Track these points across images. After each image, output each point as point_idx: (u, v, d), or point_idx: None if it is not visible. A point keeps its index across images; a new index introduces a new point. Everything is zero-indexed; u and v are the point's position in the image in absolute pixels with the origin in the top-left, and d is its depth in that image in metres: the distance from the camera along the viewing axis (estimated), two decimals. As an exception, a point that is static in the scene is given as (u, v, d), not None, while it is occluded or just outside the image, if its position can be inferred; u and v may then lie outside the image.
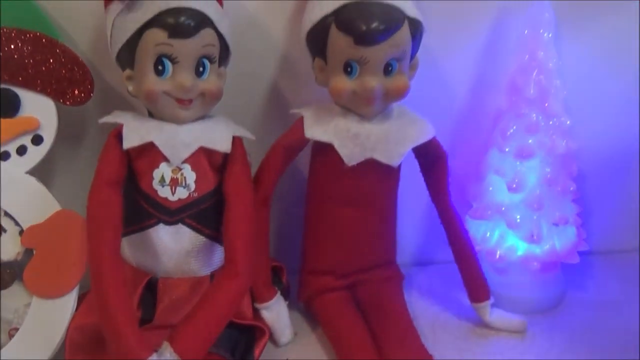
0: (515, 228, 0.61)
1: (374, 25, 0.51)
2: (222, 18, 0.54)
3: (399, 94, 0.55)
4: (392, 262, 0.65)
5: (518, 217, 0.61)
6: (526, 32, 0.59)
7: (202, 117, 0.55)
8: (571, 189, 0.61)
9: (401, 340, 0.57)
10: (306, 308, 0.64)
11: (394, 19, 0.52)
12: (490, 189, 0.63)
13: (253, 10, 0.62)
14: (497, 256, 0.63)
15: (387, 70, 0.54)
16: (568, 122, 0.60)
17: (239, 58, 0.59)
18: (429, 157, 0.60)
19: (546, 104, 0.59)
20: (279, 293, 0.61)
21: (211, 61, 0.53)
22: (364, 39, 0.52)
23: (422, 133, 0.58)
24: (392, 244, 0.65)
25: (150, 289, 0.56)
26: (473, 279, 0.62)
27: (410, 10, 0.54)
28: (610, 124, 0.68)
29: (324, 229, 0.61)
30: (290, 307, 0.62)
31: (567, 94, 0.61)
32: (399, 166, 0.59)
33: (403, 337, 0.57)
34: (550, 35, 0.58)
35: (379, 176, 0.58)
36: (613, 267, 0.72)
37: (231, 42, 0.55)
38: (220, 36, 0.53)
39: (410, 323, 0.59)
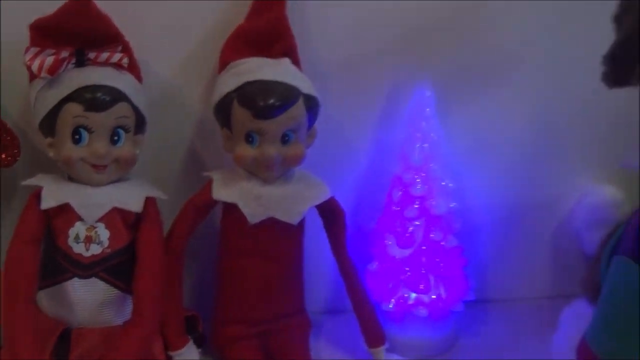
0: (405, 279, 0.68)
1: (271, 101, 0.59)
2: (138, 92, 0.61)
3: (296, 160, 0.62)
4: (300, 311, 0.71)
5: (408, 269, 0.68)
6: (411, 107, 0.67)
7: (118, 180, 0.61)
8: (454, 244, 0.68)
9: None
10: (219, 356, 0.69)
11: (289, 96, 0.60)
12: (389, 243, 0.70)
13: (174, 82, 0.69)
14: (391, 305, 0.69)
15: (284, 139, 0.61)
16: (450, 185, 0.68)
17: (159, 124, 0.66)
18: (329, 215, 0.67)
19: (429, 169, 0.67)
20: (191, 341, 0.66)
21: (126, 130, 0.59)
22: (262, 113, 0.59)
23: (319, 194, 0.65)
24: (299, 293, 0.70)
25: (65, 339, 0.60)
26: (369, 325, 0.68)
27: (305, 87, 0.62)
28: (495, 183, 0.76)
29: (233, 280, 0.67)
30: (206, 354, 0.67)
31: (456, 157, 0.70)
32: (302, 223, 0.66)
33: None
34: (430, 109, 0.66)
35: (281, 232, 0.64)
36: (503, 314, 0.79)
37: (147, 112, 0.62)
38: (136, 107, 0.60)
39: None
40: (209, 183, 0.64)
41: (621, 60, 0.49)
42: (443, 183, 0.68)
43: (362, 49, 0.69)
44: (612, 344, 0.51)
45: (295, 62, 0.64)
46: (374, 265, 0.71)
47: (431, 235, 0.67)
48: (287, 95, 0.60)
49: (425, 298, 0.69)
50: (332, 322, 0.78)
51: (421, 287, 0.67)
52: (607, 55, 0.50)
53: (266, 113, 0.59)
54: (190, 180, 0.70)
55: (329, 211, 0.67)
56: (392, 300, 0.69)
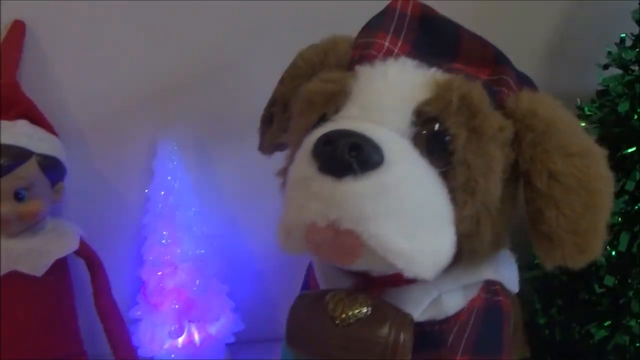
0: (160, 324, 0.71)
1: (-1, 162, 0.63)
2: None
3: (31, 217, 0.66)
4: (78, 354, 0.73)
5: (160, 316, 0.71)
6: (159, 159, 0.72)
7: None
8: (194, 289, 0.72)
9: None
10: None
11: (15, 157, 0.64)
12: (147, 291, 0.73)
13: None
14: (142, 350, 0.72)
15: (18, 197, 0.65)
16: (203, 231, 0.73)
17: None
18: (87, 262, 0.71)
19: (175, 217, 0.71)
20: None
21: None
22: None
23: (65, 246, 0.68)
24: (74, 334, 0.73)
25: None
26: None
27: (41, 148, 0.66)
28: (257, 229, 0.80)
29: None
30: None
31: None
32: (63, 272, 0.69)
33: None
34: (176, 163, 0.71)
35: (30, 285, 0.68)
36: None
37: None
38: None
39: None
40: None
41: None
42: (194, 229, 0.72)
43: (117, 105, 0.73)
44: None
45: (37, 121, 0.68)
46: (137, 313, 0.74)
47: (182, 278, 0.71)
48: (13, 156, 0.64)
49: (178, 343, 0.72)
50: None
51: (173, 330, 0.71)
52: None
53: (-6, 173, 0.63)
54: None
55: (85, 259, 0.71)
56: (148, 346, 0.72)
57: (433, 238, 0.40)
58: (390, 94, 0.42)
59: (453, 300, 0.47)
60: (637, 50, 0.65)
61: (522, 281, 0.74)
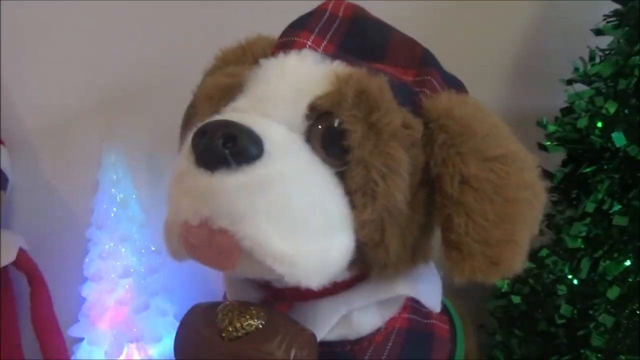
0: (94, 345, 0.68)
1: None
2: None
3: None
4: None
5: (98, 335, 0.68)
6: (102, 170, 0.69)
7: None
8: (134, 307, 0.68)
9: None
10: None
11: None
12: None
13: None
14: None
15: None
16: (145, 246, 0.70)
17: None
18: (28, 278, 0.68)
19: (117, 231, 0.68)
20: None
21: None
22: None
23: (3, 257, 0.66)
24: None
25: None
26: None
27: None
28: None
29: None
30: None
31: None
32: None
33: None
34: (120, 174, 0.69)
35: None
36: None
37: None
38: None
39: None
40: None
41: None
42: (137, 243, 0.69)
43: (63, 115, 0.72)
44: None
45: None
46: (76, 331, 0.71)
47: (122, 295, 0.68)
48: None
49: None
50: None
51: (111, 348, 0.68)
52: None
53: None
54: None
55: (25, 272, 0.69)
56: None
57: (322, 242, 0.36)
58: (285, 85, 0.39)
59: (366, 318, 0.43)
60: (599, 64, 0.61)
61: (485, 312, 0.70)
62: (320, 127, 0.38)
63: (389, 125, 0.37)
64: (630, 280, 0.56)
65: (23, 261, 0.69)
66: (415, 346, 0.46)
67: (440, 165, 0.39)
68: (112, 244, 0.68)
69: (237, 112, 0.38)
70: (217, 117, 0.37)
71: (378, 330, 0.44)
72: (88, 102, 0.72)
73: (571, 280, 0.60)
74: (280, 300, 0.43)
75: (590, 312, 0.58)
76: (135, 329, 0.68)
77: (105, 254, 0.68)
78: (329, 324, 0.42)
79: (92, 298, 0.69)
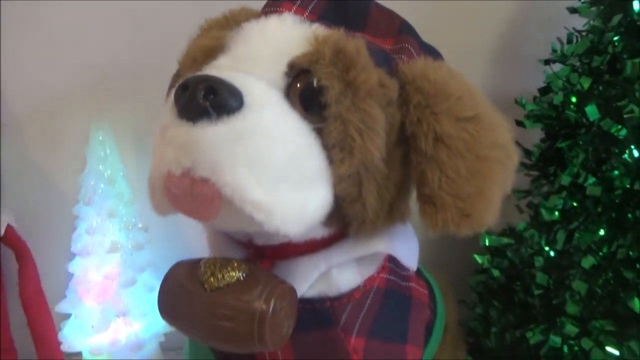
0: (85, 318, 0.69)
1: None
2: None
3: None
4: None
5: (85, 310, 0.69)
6: (90, 148, 0.71)
7: None
8: (120, 282, 0.69)
9: None
10: None
11: None
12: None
13: None
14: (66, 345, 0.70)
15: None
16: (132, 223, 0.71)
17: None
18: (16, 254, 0.69)
19: (105, 207, 0.69)
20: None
21: None
22: None
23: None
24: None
25: None
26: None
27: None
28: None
29: None
30: None
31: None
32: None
33: None
34: (108, 151, 0.70)
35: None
36: None
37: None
38: None
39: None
40: None
41: None
42: (124, 219, 0.70)
43: (52, 92, 0.72)
44: None
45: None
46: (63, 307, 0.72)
47: (109, 270, 0.69)
48: None
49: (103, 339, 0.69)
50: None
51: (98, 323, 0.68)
52: None
53: None
54: None
55: (13, 249, 0.69)
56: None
57: (300, 193, 0.38)
58: (266, 46, 0.41)
59: (345, 275, 0.45)
60: (575, 44, 0.63)
61: (466, 289, 0.72)
62: (298, 85, 0.39)
63: (365, 83, 0.39)
64: (604, 250, 0.58)
65: (11, 237, 0.69)
66: (393, 306, 0.47)
67: (415, 125, 0.40)
68: (99, 220, 0.69)
69: (217, 69, 0.40)
70: (198, 73, 0.38)
71: (357, 288, 0.45)
72: (76, 81, 0.72)
73: (547, 252, 0.61)
74: (262, 258, 0.44)
75: (566, 282, 0.59)
76: (122, 304, 0.70)
77: (93, 230, 0.69)
78: (309, 280, 0.43)
79: (80, 274, 0.70)
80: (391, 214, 0.43)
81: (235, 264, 0.41)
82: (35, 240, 0.72)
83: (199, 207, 0.37)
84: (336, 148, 0.39)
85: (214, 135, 0.35)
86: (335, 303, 0.45)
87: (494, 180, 0.40)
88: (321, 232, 0.43)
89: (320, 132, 0.39)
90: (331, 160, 0.39)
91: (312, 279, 0.43)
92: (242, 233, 0.44)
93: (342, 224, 0.42)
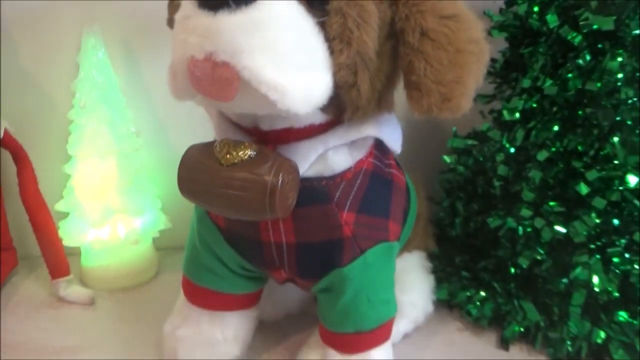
0: (84, 216, 0.74)
1: None
2: None
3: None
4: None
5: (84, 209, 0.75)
6: (82, 53, 0.73)
7: None
8: (117, 182, 0.74)
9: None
10: None
11: None
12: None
13: None
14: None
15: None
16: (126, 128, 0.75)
17: None
18: (14, 157, 0.73)
19: (98, 112, 0.73)
20: None
21: None
22: None
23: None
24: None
25: None
26: (52, 257, 0.74)
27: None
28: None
29: None
30: None
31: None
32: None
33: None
34: (100, 56, 0.73)
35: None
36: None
37: None
38: None
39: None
40: None
41: None
42: (118, 125, 0.74)
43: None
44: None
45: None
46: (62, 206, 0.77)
47: (106, 172, 0.74)
48: None
49: (102, 235, 0.75)
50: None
51: (97, 220, 0.74)
52: None
53: None
54: None
55: (11, 151, 0.73)
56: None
57: (307, 76, 0.43)
58: None
59: (339, 157, 0.51)
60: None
61: (435, 184, 0.80)
62: None
63: None
64: (557, 144, 0.66)
65: (8, 140, 0.72)
66: (378, 186, 0.55)
67: (403, 20, 0.46)
68: (95, 124, 0.73)
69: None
70: None
71: (349, 169, 0.52)
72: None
73: (508, 148, 0.69)
74: (265, 143, 0.50)
75: (523, 174, 0.68)
76: (118, 203, 0.75)
77: (88, 134, 0.73)
78: (308, 160, 0.49)
79: (77, 175, 0.75)
80: (380, 102, 0.49)
81: (247, 144, 0.46)
82: (30, 144, 0.75)
83: (220, 89, 0.42)
84: (336, 39, 0.44)
85: (233, 24, 0.40)
86: (330, 182, 0.51)
87: (470, 70, 0.47)
88: (319, 118, 0.49)
89: (322, 25, 0.44)
90: (332, 51, 0.44)
91: (311, 159, 0.50)
92: (249, 119, 0.49)
93: (337, 111, 0.48)
